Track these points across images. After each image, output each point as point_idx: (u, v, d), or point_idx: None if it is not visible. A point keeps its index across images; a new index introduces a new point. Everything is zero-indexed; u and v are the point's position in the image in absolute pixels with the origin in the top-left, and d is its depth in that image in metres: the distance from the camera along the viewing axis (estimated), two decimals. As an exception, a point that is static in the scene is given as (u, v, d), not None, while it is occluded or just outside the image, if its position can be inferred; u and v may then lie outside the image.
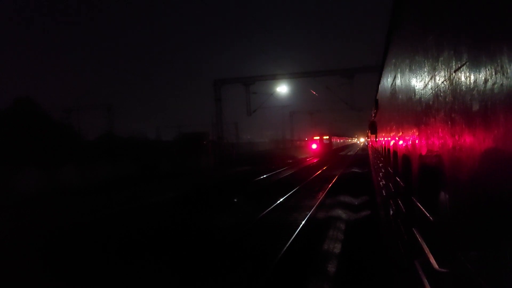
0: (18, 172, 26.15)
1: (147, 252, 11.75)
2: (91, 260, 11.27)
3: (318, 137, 69.90)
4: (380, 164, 11.32)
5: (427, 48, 2.35)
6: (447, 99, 1.86)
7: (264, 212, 16.64)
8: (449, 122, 1.82)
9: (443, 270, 2.02)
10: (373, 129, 13.27)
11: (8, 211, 20.92)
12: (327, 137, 70.49)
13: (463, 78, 1.58)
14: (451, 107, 1.78)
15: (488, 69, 1.28)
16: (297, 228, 13.32)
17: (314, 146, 69.82)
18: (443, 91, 1.93)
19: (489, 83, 1.28)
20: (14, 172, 25.92)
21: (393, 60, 5.09)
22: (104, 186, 29.76)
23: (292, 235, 12.37)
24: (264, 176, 34.78)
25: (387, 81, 6.59)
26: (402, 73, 3.91)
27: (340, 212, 16.54)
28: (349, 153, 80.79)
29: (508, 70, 1.13)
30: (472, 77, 1.46)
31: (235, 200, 21.30)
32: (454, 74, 1.70)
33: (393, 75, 5.17)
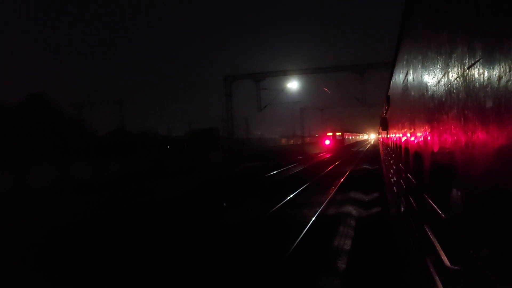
0: (30, 167, 26.47)
1: (161, 245, 11.84)
2: (100, 253, 11.40)
3: (331, 133, 72.06)
4: (391, 161, 11.26)
5: (440, 44, 2.33)
6: (460, 96, 1.85)
7: (274, 208, 16.65)
8: (462, 119, 1.81)
9: (454, 267, 2.02)
10: (384, 126, 13.19)
11: (22, 205, 21.20)
12: (340, 133, 72.54)
13: (476, 75, 1.57)
14: (464, 104, 1.77)
15: (503, 66, 1.28)
16: (307, 225, 13.31)
17: (327, 142, 72.09)
18: (456, 88, 1.92)
19: (503, 80, 1.27)
20: (27, 168, 26.24)
21: (405, 56, 5.06)
22: (115, 181, 30.02)
23: (302, 231, 12.37)
24: (275, 172, 34.79)
25: (399, 78, 6.55)
26: (415, 69, 3.88)
27: (350, 209, 16.50)
28: (360, 149, 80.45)
29: None
30: (486, 74, 1.45)
31: (245, 196, 21.35)
32: (467, 71, 1.69)
33: (405, 72, 5.14)
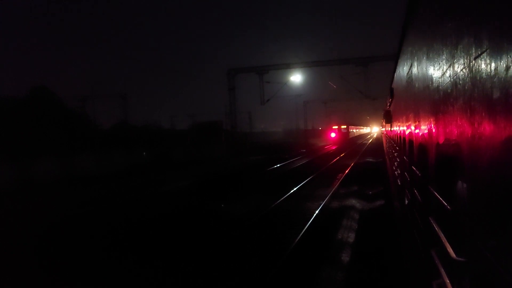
0: (35, 160, 26.57)
1: (168, 235, 11.90)
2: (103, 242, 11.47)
3: (336, 127, 74.83)
4: (395, 153, 11.23)
5: (446, 35, 2.31)
6: (466, 87, 1.84)
7: (278, 201, 16.67)
8: (468, 110, 1.80)
9: (460, 259, 2.02)
10: (388, 118, 13.13)
11: (27, 197, 21.31)
12: (345, 126, 75.07)
13: (483, 66, 1.55)
14: (471, 95, 1.75)
15: (510, 56, 1.26)
16: (311, 218, 13.32)
17: (333, 134, 74.92)
18: (462, 79, 1.90)
19: (511, 70, 1.26)
20: (32, 161, 26.34)
21: (410, 48, 5.02)
22: (119, 174, 30.13)
23: (306, 225, 12.39)
24: (278, 165, 34.79)
25: (403, 70, 6.51)
26: (419, 61, 3.86)
27: (354, 202, 16.51)
28: (363, 142, 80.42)
29: None
30: (493, 64, 1.44)
31: (248, 189, 21.37)
32: (474, 61, 1.68)
33: (409, 63, 5.11)
